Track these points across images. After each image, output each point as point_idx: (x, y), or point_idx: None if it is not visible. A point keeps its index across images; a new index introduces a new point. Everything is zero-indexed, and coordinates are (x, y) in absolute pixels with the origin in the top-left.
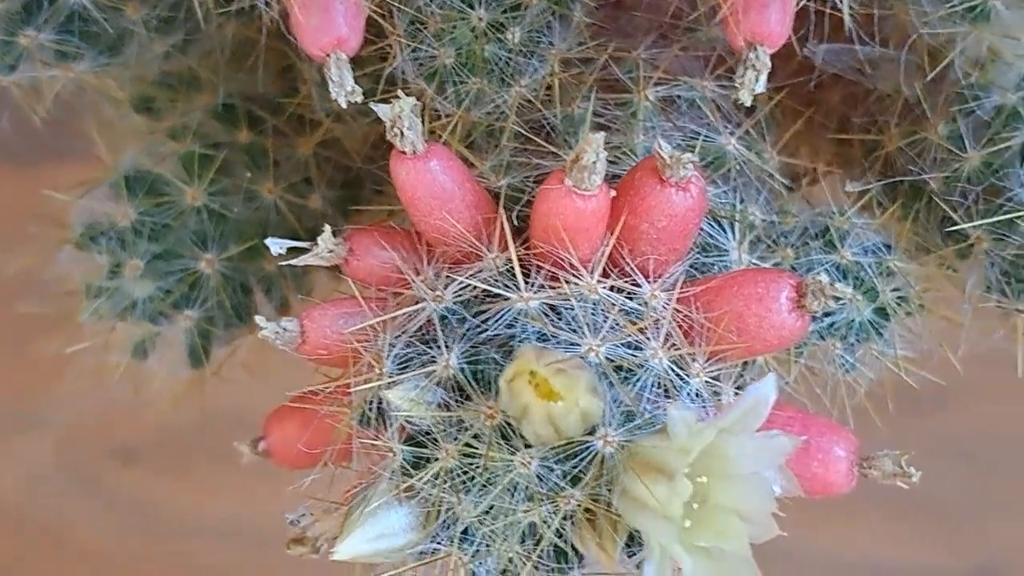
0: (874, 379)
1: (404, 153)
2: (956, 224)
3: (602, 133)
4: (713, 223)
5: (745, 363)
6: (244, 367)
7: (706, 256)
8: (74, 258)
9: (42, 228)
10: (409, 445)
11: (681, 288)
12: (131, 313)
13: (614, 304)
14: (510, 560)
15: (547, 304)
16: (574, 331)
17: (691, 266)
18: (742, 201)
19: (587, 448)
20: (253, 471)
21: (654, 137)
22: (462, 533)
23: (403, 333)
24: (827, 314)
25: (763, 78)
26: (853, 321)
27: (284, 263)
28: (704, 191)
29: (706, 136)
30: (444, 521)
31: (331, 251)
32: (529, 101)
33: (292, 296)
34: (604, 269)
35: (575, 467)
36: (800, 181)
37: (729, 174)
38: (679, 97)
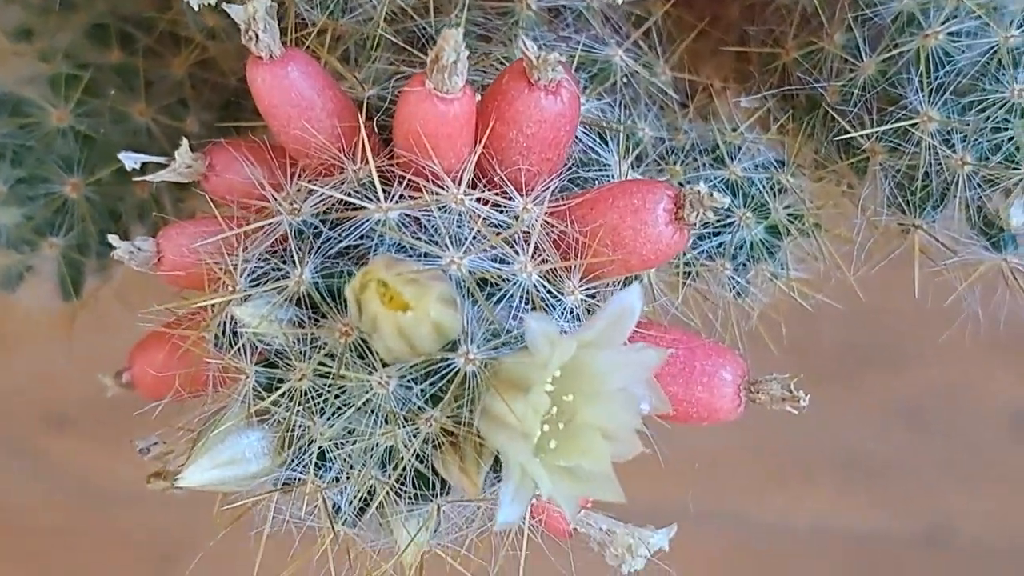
0: (767, 303)
1: (260, 58)
2: (850, 134)
3: (459, 29)
4: (594, 136)
5: (627, 280)
6: (119, 299)
7: (586, 171)
8: None
9: None
10: (264, 367)
11: (556, 202)
12: None
13: (480, 216)
14: (371, 489)
15: (409, 216)
16: (435, 243)
17: (570, 180)
18: (629, 115)
19: (448, 366)
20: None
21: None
22: (319, 460)
23: (259, 249)
24: (716, 233)
25: None
26: (744, 241)
27: (140, 179)
28: (576, 96)
29: (591, 47)
30: (299, 447)
31: (189, 166)
32: (403, 9)
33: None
34: (473, 181)
35: (436, 387)
36: (694, 97)
37: (616, 87)
38: (564, 7)
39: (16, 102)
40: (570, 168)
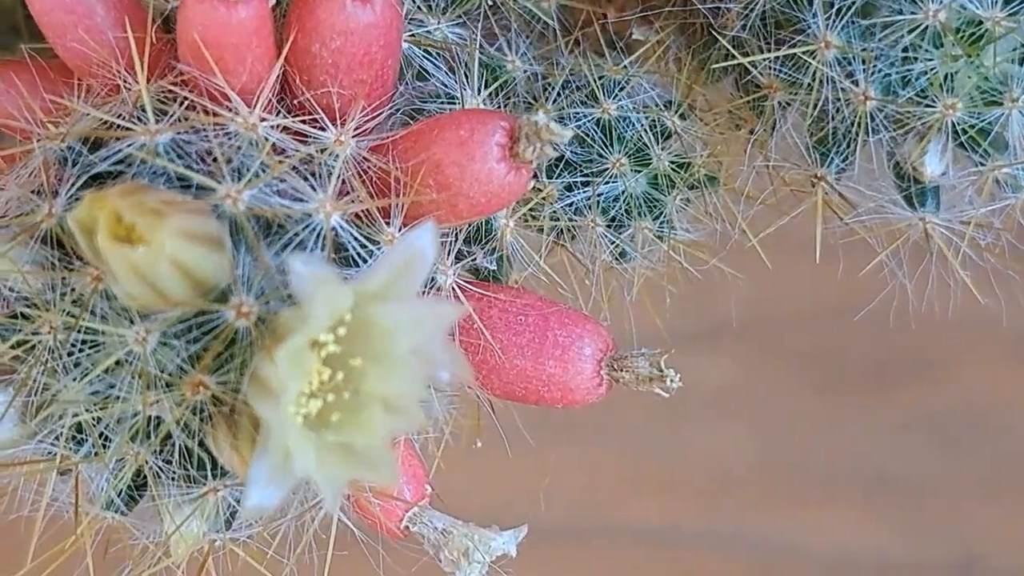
0: (651, 268)
1: None
2: (738, 60)
3: None
4: (437, 63)
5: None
6: None
7: (428, 103)
8: None
9: None
10: (10, 319)
11: (376, 135)
12: None
13: (270, 143)
14: (137, 470)
15: (187, 142)
16: (209, 173)
17: (409, 115)
18: (492, 44)
19: (216, 320)
20: None
21: None
22: (77, 432)
23: (15, 180)
24: (586, 183)
25: None
26: (619, 193)
27: None
28: (392, 5)
29: None
30: (48, 414)
31: None
32: None
33: None
34: (286, 106)
35: (202, 344)
36: (578, 27)
37: (478, 12)
38: None
39: None
40: (406, 99)
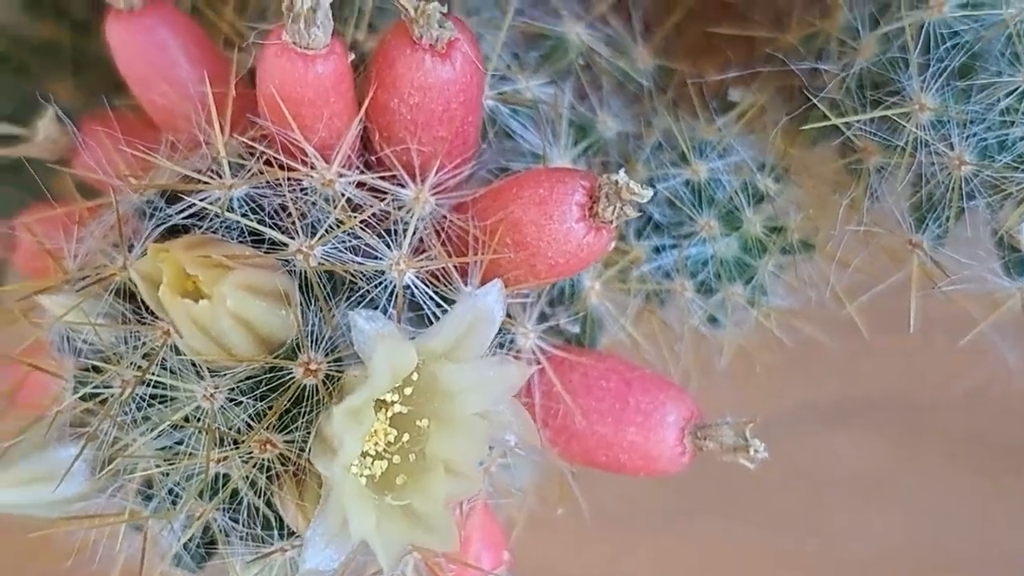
0: (740, 335)
1: (119, 12)
2: (831, 120)
3: None
4: (524, 122)
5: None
6: None
7: (514, 161)
8: None
9: None
10: (86, 371)
11: (457, 193)
12: None
13: (350, 200)
14: (206, 527)
15: (262, 196)
16: (282, 228)
17: (492, 173)
18: (585, 101)
19: (284, 377)
20: None
21: (479, 23)
22: (145, 485)
23: (97, 231)
24: (674, 246)
25: None
26: (708, 257)
27: None
28: (472, 61)
29: (543, 20)
30: (118, 468)
31: (53, 140)
32: None
33: None
34: (367, 162)
35: (272, 404)
36: (671, 87)
37: (570, 68)
38: None
39: None
40: (491, 157)
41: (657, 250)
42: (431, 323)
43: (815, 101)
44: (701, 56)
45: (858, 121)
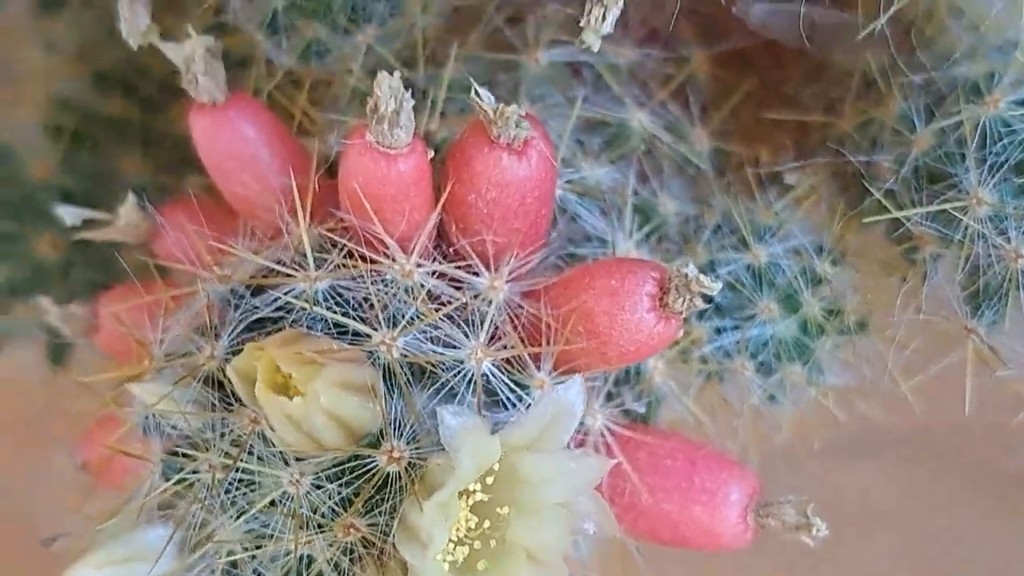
0: (796, 412)
1: (202, 105)
2: (892, 213)
3: (396, 73)
4: (590, 208)
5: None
6: None
7: (581, 246)
8: None
9: None
10: (173, 455)
11: (529, 280)
12: None
13: (426, 291)
14: None
15: (345, 288)
16: (365, 320)
17: (561, 258)
18: (648, 187)
19: (368, 464)
20: None
21: (543, 109)
22: (231, 566)
23: (182, 319)
24: (736, 327)
25: (612, 16)
26: (767, 338)
27: (80, 237)
28: (547, 158)
29: (606, 107)
30: (207, 550)
31: (135, 225)
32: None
33: None
34: (443, 252)
35: (356, 490)
36: (729, 170)
37: (633, 154)
38: (583, 64)
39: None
40: (558, 242)
41: (718, 331)
42: (506, 407)
43: (875, 193)
44: (756, 139)
45: (916, 214)
